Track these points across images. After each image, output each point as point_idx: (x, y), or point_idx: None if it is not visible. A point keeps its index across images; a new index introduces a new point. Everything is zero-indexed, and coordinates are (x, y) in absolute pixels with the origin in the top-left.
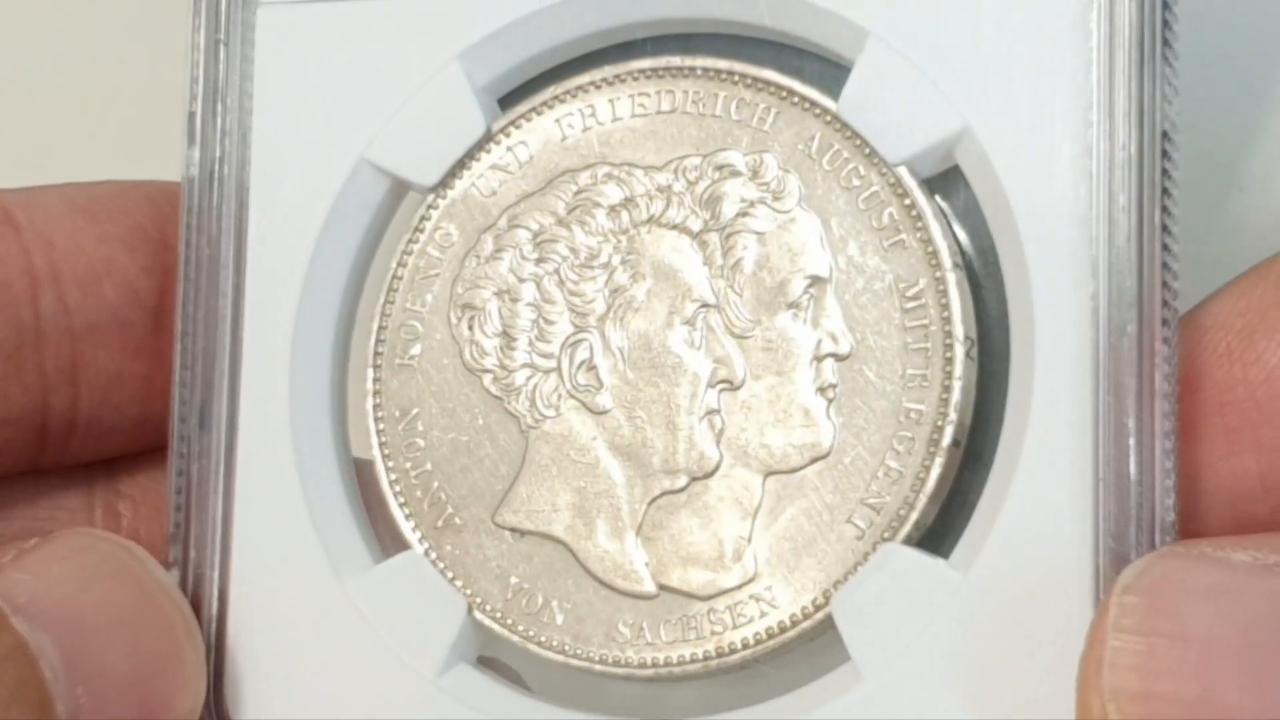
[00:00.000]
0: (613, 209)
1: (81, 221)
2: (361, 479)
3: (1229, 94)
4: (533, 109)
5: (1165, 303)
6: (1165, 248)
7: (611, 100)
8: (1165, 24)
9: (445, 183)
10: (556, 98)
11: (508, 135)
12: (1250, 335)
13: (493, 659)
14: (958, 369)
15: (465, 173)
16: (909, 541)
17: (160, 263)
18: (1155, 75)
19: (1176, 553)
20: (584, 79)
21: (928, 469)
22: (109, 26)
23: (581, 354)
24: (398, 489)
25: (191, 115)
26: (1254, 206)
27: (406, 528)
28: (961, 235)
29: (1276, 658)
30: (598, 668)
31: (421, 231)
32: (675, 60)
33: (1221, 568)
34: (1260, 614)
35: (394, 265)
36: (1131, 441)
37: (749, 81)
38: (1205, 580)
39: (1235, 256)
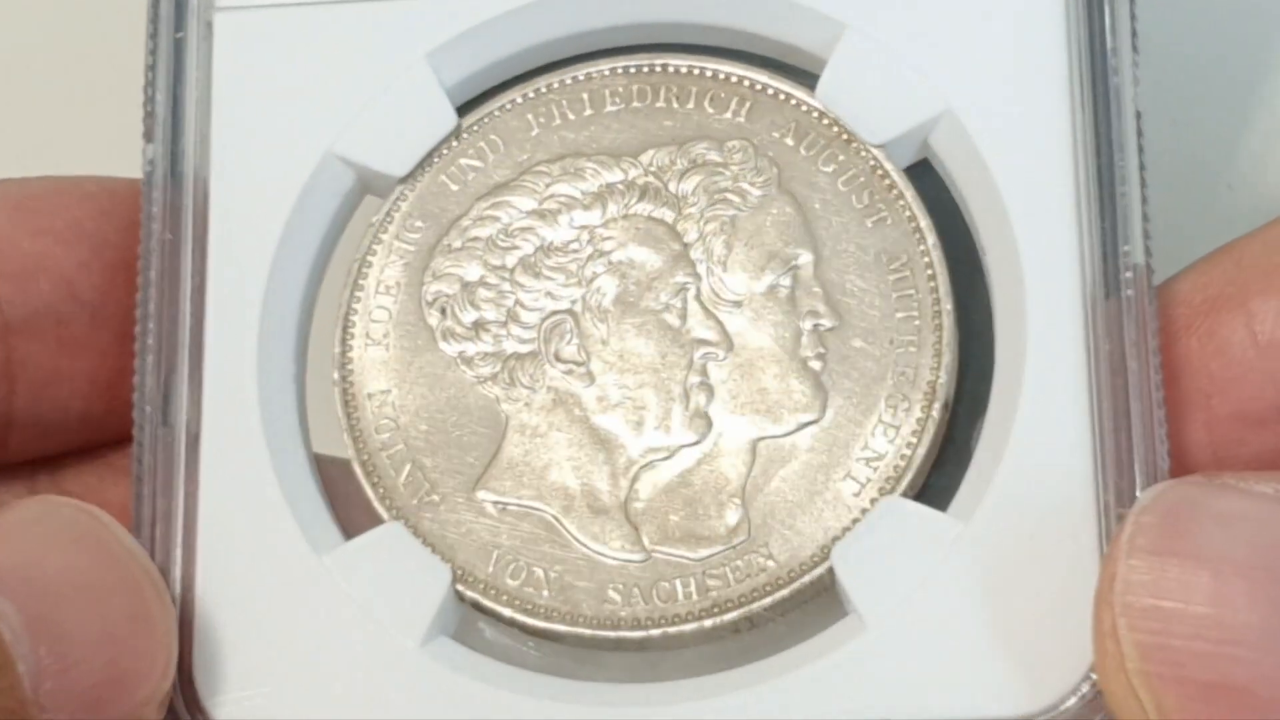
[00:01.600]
0: (587, 199)
1: (15, 216)
2: (335, 463)
3: (1218, 93)
4: (501, 106)
5: (1149, 266)
6: (1145, 217)
7: (584, 95)
8: (1132, 14)
9: (415, 174)
10: (525, 95)
11: (476, 130)
12: (1209, 310)
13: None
14: (947, 335)
15: (435, 165)
16: (910, 494)
17: (101, 258)
18: (1132, 56)
19: (1198, 481)
20: (553, 78)
21: (922, 425)
22: (68, 20)
23: (562, 333)
24: (371, 468)
25: (150, 113)
26: (1243, 204)
27: (380, 506)
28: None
29: None
30: (587, 632)
31: (391, 221)
32: (645, 58)
33: (1242, 496)
34: (1275, 540)
35: (363, 252)
36: (1133, 383)
37: (722, 77)
38: (1223, 506)
39: None
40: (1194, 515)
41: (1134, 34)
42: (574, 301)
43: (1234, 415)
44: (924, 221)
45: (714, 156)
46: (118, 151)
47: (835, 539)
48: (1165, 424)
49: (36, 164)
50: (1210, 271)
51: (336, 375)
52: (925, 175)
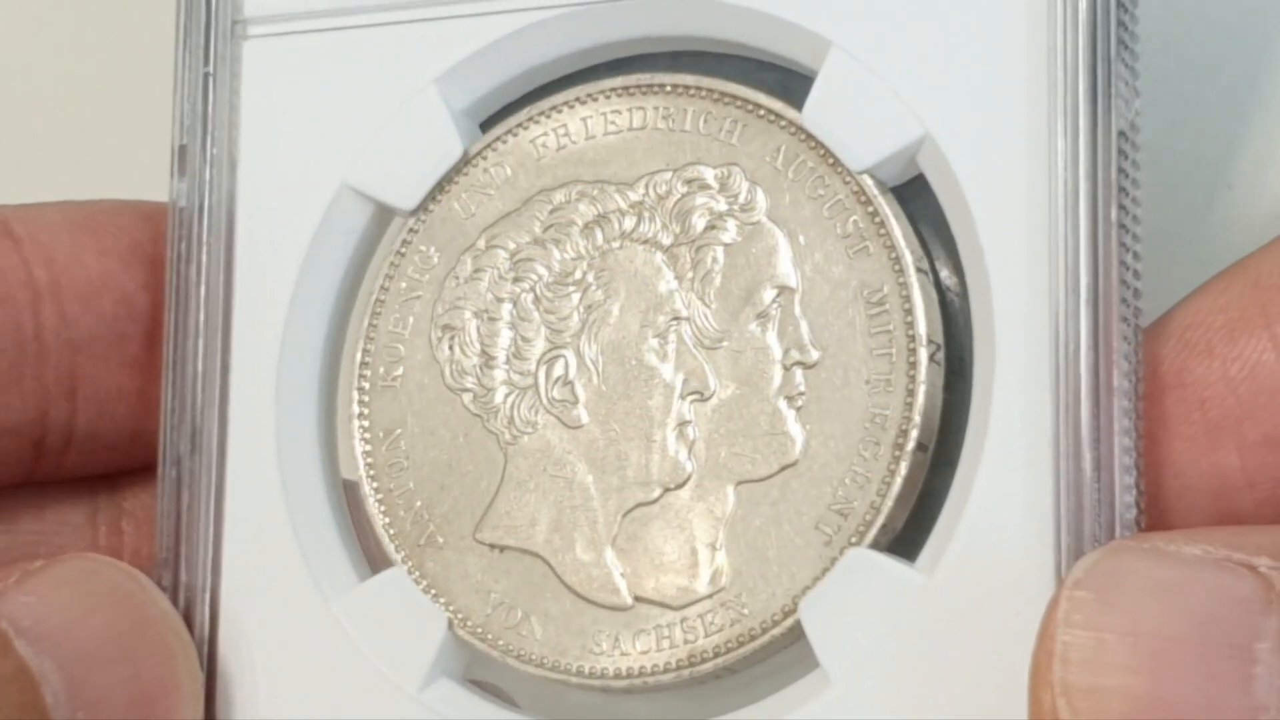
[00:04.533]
0: (587, 227)
1: (81, 236)
2: (347, 499)
3: (1218, 92)
4: (508, 130)
5: (1125, 300)
6: (1124, 245)
7: (584, 119)
8: (1121, 24)
9: (424, 205)
10: (531, 119)
11: (485, 157)
12: (1230, 332)
13: (482, 681)
14: (921, 373)
15: (444, 195)
16: (877, 546)
17: (156, 279)
18: (1110, 76)
19: (1128, 547)
20: (557, 99)
21: (893, 472)
22: (106, 48)
23: (557, 370)
24: (382, 508)
25: (183, 148)
26: (1243, 204)
27: (390, 547)
28: (929, 242)
29: (1225, 653)
30: (574, 680)
31: (403, 254)
32: (644, 78)
33: (1172, 562)
34: (1210, 609)
35: (376, 288)
36: (1086, 440)
37: (715, 96)
38: (1155, 575)
39: (1224, 254)
40: (1128, 587)
41: (1122, 43)
42: (572, 336)
43: (1265, 440)
44: (905, 250)
45: (707, 182)
46: (152, 175)
47: (805, 589)
48: (1135, 471)
49: (78, 188)
50: (1227, 292)
51: (354, 410)
52: (918, 195)
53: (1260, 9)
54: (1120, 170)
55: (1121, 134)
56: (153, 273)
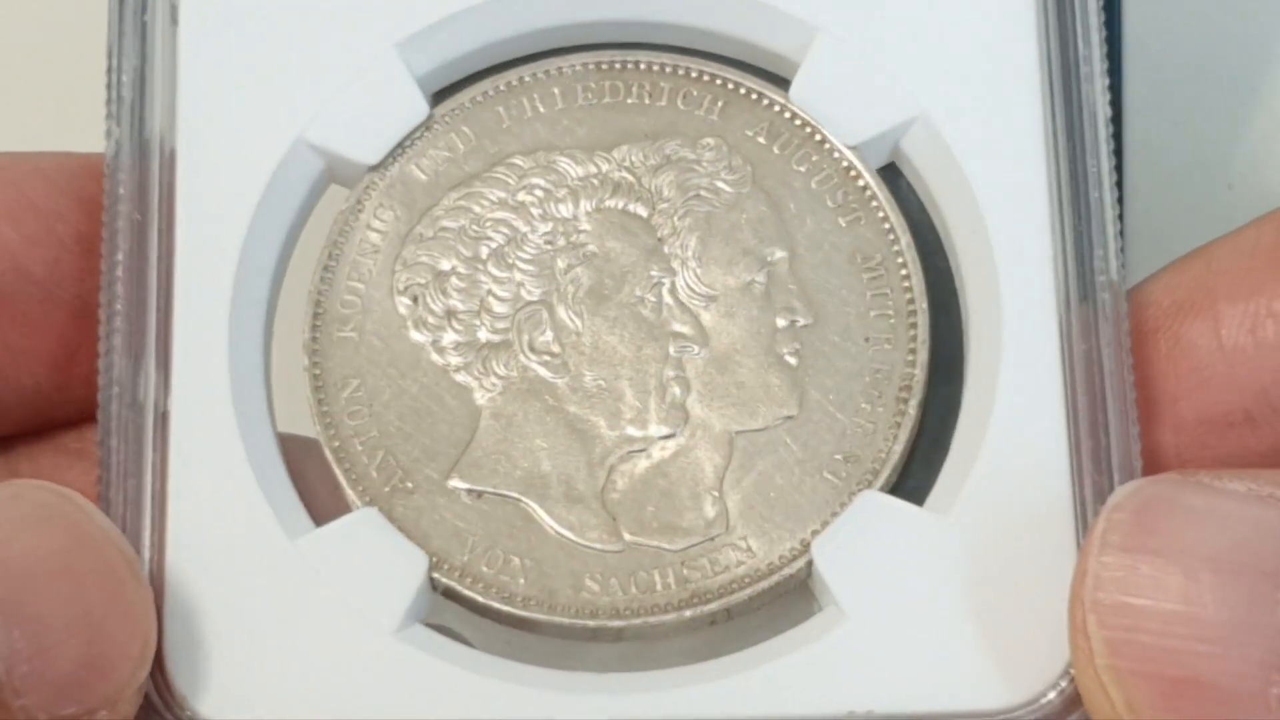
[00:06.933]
0: (560, 192)
1: None
2: (305, 450)
3: (1218, 93)
4: (471, 99)
5: (1120, 269)
6: (1119, 219)
7: (555, 90)
8: (1103, 21)
9: (385, 163)
10: (496, 89)
11: (446, 122)
12: (1177, 313)
13: (443, 626)
14: (922, 332)
15: (406, 154)
16: (886, 490)
17: (52, 234)
18: (1100, 61)
19: (1171, 478)
20: (524, 71)
21: (899, 424)
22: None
23: (536, 324)
24: (342, 454)
25: (113, 97)
26: (1243, 203)
27: (352, 493)
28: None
29: (1257, 581)
30: (565, 620)
31: (361, 209)
32: (618, 54)
33: (1214, 494)
34: (1245, 538)
35: (332, 239)
36: (1109, 383)
37: (695, 75)
38: (1196, 503)
39: None
40: (1166, 512)
41: (1105, 38)
42: (547, 293)
43: (1199, 419)
44: (897, 221)
45: (687, 153)
46: (81, 128)
47: (814, 533)
48: (1138, 424)
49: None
50: (1180, 275)
51: (306, 361)
52: (893, 178)
53: (1259, 9)
54: (1111, 150)
55: (1110, 118)
56: (46, 227)
